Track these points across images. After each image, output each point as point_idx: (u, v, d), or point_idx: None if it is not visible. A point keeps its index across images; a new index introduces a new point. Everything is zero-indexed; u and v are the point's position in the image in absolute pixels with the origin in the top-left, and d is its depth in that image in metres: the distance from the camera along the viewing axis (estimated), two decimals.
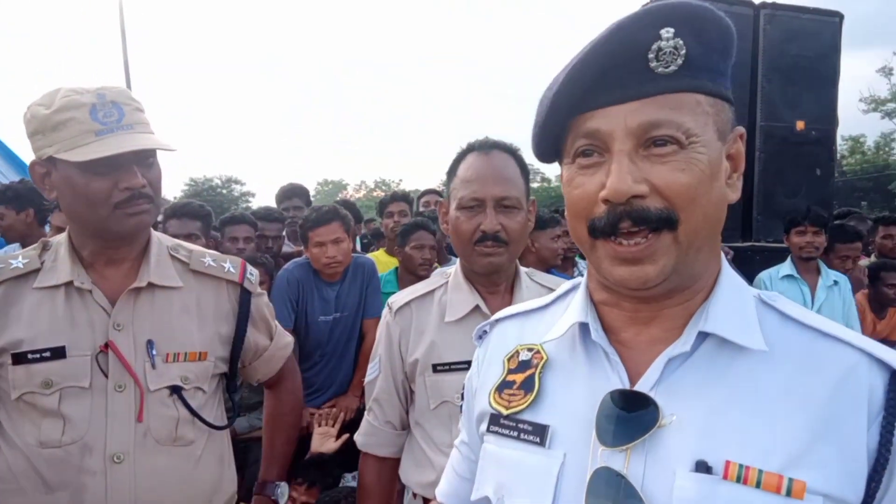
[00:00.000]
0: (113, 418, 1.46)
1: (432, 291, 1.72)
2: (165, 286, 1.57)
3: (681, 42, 0.75)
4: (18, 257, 1.53)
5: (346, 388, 3.39)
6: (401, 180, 64.65)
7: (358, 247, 4.50)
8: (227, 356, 1.67)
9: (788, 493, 0.73)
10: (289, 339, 1.91)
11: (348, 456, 3.25)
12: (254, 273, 1.74)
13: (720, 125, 0.80)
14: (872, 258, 5.03)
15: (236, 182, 48.56)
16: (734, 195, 0.84)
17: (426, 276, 3.46)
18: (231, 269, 1.67)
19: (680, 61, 0.76)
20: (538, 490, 0.84)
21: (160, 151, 1.53)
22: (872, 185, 36.34)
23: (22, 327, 1.47)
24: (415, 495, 1.69)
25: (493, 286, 1.65)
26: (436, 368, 1.62)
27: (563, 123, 0.82)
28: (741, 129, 0.85)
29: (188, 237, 3.10)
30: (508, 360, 0.98)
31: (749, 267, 4.40)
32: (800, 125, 4.88)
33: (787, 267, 4.07)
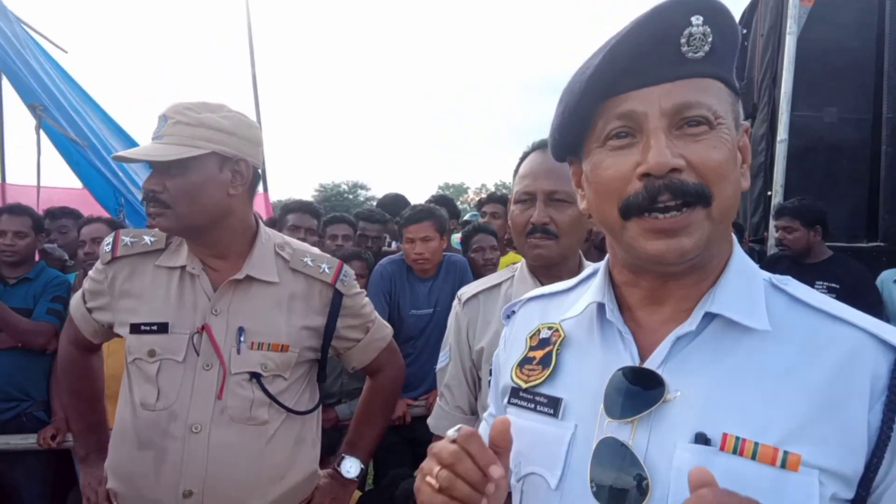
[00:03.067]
0: (197, 393, 1.64)
1: (499, 284, 1.79)
2: (263, 280, 1.73)
3: (708, 30, 0.79)
4: (151, 235, 1.75)
5: None
6: None
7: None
8: (318, 347, 1.81)
9: (783, 465, 0.75)
10: (387, 330, 2.02)
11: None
12: (348, 274, 1.86)
13: (735, 115, 0.84)
14: None
15: (362, 187, 50.43)
16: (746, 183, 0.87)
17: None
18: (326, 270, 1.81)
19: (707, 48, 0.80)
20: (551, 458, 0.90)
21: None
22: None
23: (142, 301, 1.69)
24: None
25: (557, 279, 1.69)
26: None
27: (593, 109, 0.86)
28: (747, 124, 0.89)
29: (307, 230, 3.60)
30: (530, 337, 1.04)
31: (875, 269, 4.13)
32: None
33: None
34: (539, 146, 1.70)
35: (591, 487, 0.84)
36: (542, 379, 0.97)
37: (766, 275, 0.90)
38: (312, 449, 1.83)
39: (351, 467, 1.92)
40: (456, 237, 4.76)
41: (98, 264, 1.77)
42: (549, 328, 1.03)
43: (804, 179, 4.39)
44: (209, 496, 1.62)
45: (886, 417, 0.76)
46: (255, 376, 1.68)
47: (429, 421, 1.90)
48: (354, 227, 4.18)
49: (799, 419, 0.78)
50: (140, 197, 5.32)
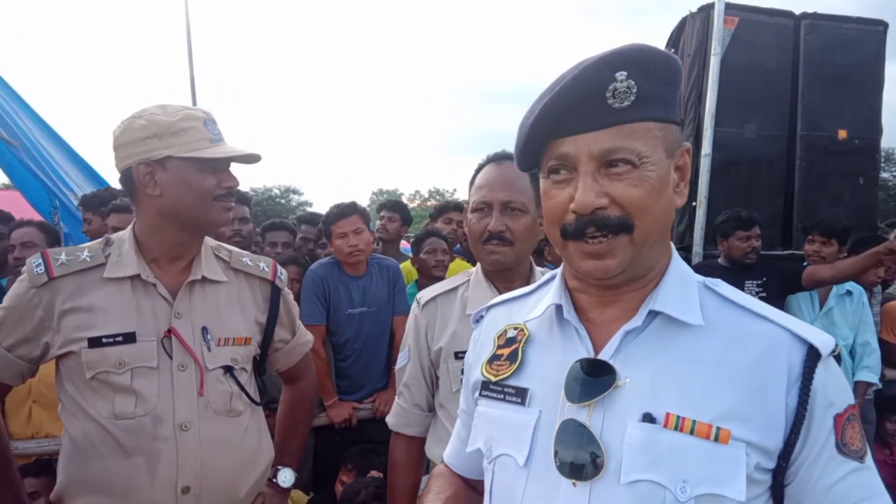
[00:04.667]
0: (179, 393, 1.70)
1: (456, 288, 1.92)
2: (215, 280, 1.82)
3: (632, 83, 0.92)
4: (85, 251, 1.74)
5: (383, 383, 3.62)
6: (455, 190, 65.05)
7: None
8: (261, 341, 1.92)
9: (716, 439, 0.90)
10: (309, 337, 2.14)
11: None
12: (283, 273, 2.00)
13: (668, 144, 0.97)
14: None
15: (294, 192, 49.78)
16: (681, 201, 1.02)
17: (442, 276, 3.72)
18: (265, 269, 1.93)
19: (632, 98, 0.93)
20: (519, 440, 1.03)
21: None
22: None
23: (96, 315, 1.69)
24: None
25: (509, 283, 1.84)
26: (457, 356, 1.81)
27: (541, 146, 1.01)
28: (688, 145, 1.02)
29: (283, 245, 3.91)
30: (498, 337, 1.18)
31: None
32: (842, 134, 4.88)
33: None
34: (494, 159, 1.83)
35: (556, 463, 0.97)
36: (510, 372, 1.10)
37: (700, 278, 1.05)
38: (267, 438, 1.94)
39: (286, 478, 2.04)
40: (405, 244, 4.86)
41: (21, 289, 1.69)
42: (515, 328, 1.15)
43: (726, 191, 4.67)
44: (205, 490, 1.70)
45: (801, 401, 0.91)
46: (228, 370, 1.77)
47: (388, 419, 2.01)
48: (294, 233, 4.26)
49: (728, 401, 0.92)
50: (75, 200, 5.22)
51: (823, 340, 0.94)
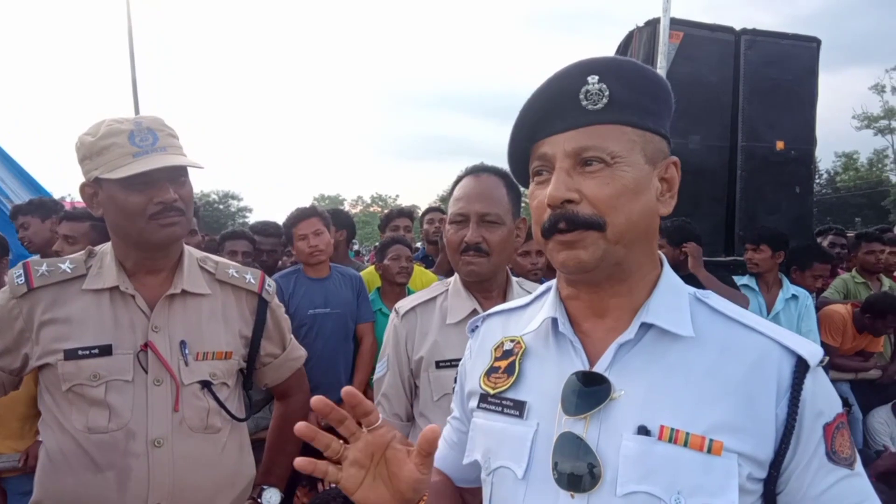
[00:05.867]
0: (153, 408, 1.66)
1: (434, 298, 1.94)
2: (196, 293, 1.78)
3: (604, 86, 0.98)
4: (66, 262, 1.72)
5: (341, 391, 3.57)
6: (398, 196, 65.10)
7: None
8: (246, 355, 1.88)
9: (709, 451, 0.93)
10: (302, 352, 2.09)
11: None
12: (272, 285, 1.95)
13: (648, 152, 1.01)
14: (854, 273, 5.24)
15: (233, 197, 48.90)
16: (665, 210, 1.06)
17: (405, 283, 3.79)
18: (251, 280, 1.89)
19: (605, 101, 0.98)
20: (517, 453, 1.05)
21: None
22: (866, 202, 36.75)
23: (73, 327, 1.66)
24: None
25: (487, 292, 1.87)
26: (438, 365, 1.84)
27: (527, 151, 1.05)
28: (674, 158, 1.07)
29: (243, 254, 3.78)
30: (495, 349, 1.19)
31: (732, 279, 4.64)
32: (780, 145, 5.11)
33: (746, 278, 4.45)
34: (472, 171, 1.87)
35: (554, 475, 0.99)
36: (508, 385, 1.11)
37: (691, 289, 1.09)
38: (249, 455, 1.91)
39: (271, 497, 1.98)
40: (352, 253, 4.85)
41: (1, 300, 1.68)
42: (512, 341, 1.17)
43: None
44: None
45: (791, 411, 0.94)
46: (206, 385, 1.73)
47: None
48: (254, 242, 4.18)
49: (720, 412, 0.95)
50: (9, 205, 5.04)
51: (811, 351, 0.97)
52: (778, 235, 4.35)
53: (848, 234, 6.12)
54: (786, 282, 4.41)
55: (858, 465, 1.00)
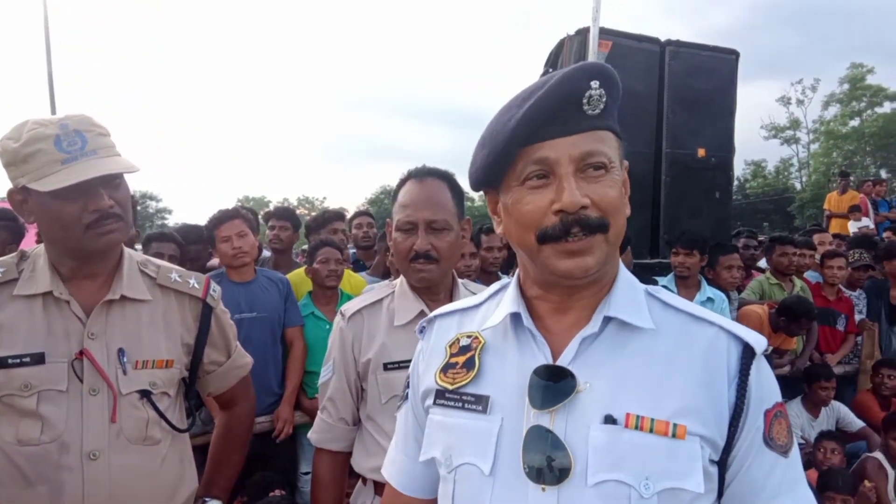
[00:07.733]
0: (88, 419, 1.57)
1: (381, 300, 1.92)
2: (136, 299, 1.68)
3: (603, 92, 0.99)
4: None
5: (272, 397, 3.50)
6: (325, 198, 64.13)
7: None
8: (189, 363, 1.80)
9: (674, 435, 0.96)
10: (248, 360, 2.01)
11: (285, 473, 3.40)
12: (217, 290, 1.86)
13: (620, 157, 1.05)
14: (768, 274, 5.51)
15: (152, 198, 47.09)
16: (628, 210, 1.09)
17: (335, 286, 3.75)
18: (195, 285, 1.80)
19: (602, 106, 0.99)
20: (482, 448, 1.05)
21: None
22: (773, 207, 38.72)
23: (3, 334, 1.56)
24: (364, 481, 1.88)
25: (434, 295, 1.88)
26: (386, 367, 1.82)
27: (513, 153, 1.04)
28: (626, 162, 1.10)
29: (170, 258, 3.39)
30: (450, 346, 1.18)
31: (655, 281, 4.82)
32: (701, 152, 5.35)
33: (666, 280, 4.61)
34: (415, 175, 1.85)
35: (524, 469, 0.99)
36: (469, 380, 1.10)
37: (643, 285, 1.12)
38: (191, 467, 1.82)
39: None
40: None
41: None
42: (469, 336, 1.17)
43: None
44: None
45: (739, 394, 0.99)
46: (145, 394, 1.65)
47: (311, 435, 1.97)
48: (182, 245, 4.03)
49: (682, 397, 0.98)
50: None
51: (757, 339, 1.02)
52: (706, 241, 4.55)
53: (760, 238, 6.44)
54: (704, 284, 4.59)
55: (794, 455, 1.05)
